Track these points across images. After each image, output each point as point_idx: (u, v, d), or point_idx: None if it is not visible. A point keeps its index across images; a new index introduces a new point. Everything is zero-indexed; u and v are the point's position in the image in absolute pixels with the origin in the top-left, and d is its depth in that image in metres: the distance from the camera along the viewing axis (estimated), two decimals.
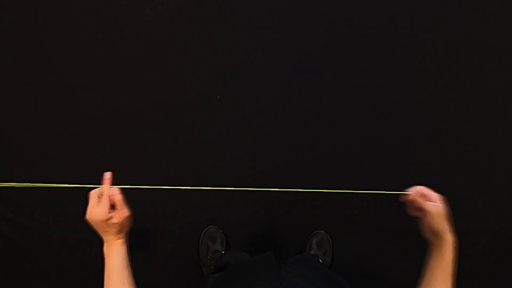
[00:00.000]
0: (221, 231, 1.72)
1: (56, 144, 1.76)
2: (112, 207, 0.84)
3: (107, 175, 0.87)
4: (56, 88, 1.77)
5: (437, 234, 0.87)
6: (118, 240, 0.83)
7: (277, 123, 1.78)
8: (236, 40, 1.80)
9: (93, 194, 0.84)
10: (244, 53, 1.80)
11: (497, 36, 1.79)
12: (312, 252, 1.69)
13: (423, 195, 0.90)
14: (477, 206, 1.75)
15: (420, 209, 0.89)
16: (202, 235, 1.71)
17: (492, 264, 1.74)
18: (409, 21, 1.80)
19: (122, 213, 0.84)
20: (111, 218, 0.82)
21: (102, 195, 0.84)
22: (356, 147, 1.77)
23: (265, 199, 1.74)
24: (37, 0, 1.79)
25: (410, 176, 1.74)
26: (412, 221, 1.70)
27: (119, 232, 0.83)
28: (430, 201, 0.88)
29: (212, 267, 1.62)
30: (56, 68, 1.78)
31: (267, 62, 1.79)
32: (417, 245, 1.75)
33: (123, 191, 0.86)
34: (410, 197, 0.91)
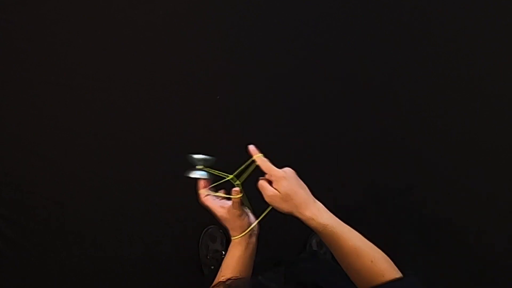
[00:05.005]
0: (221, 231, 1.72)
1: (56, 144, 1.76)
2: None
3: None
4: (56, 88, 1.77)
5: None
6: (235, 239, 0.90)
7: (277, 123, 1.78)
8: (236, 40, 1.80)
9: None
10: (244, 53, 1.80)
11: (497, 36, 1.79)
12: None
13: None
14: (477, 207, 1.75)
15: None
16: (202, 235, 1.71)
17: (492, 264, 1.74)
18: (410, 21, 1.80)
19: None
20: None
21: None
22: (356, 147, 1.77)
23: None
24: (37, 0, 1.79)
25: (411, 176, 1.74)
26: (411, 221, 1.70)
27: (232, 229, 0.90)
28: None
29: (212, 267, 1.62)
30: (56, 68, 1.78)
31: (267, 62, 1.79)
32: (417, 245, 1.75)
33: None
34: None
